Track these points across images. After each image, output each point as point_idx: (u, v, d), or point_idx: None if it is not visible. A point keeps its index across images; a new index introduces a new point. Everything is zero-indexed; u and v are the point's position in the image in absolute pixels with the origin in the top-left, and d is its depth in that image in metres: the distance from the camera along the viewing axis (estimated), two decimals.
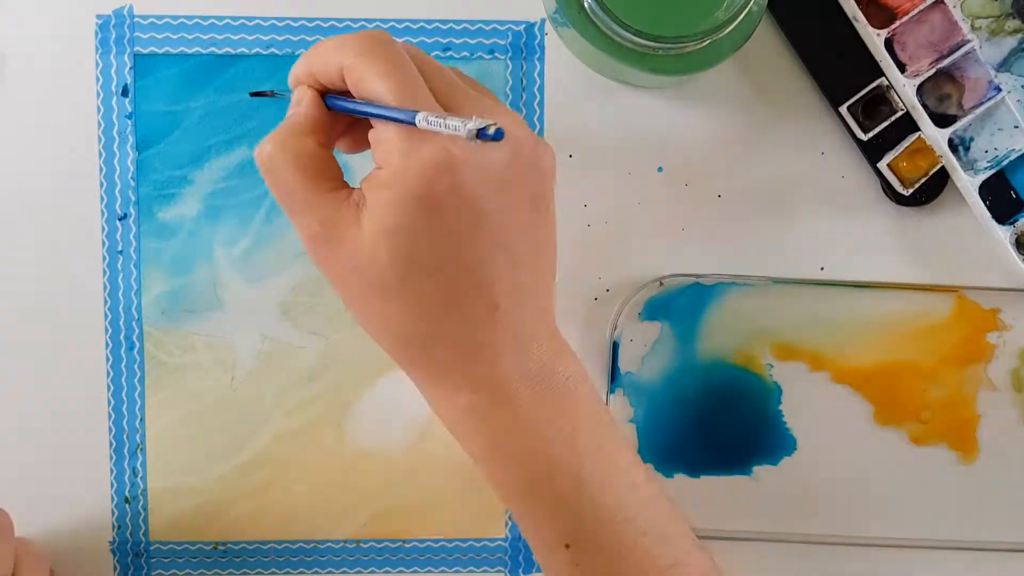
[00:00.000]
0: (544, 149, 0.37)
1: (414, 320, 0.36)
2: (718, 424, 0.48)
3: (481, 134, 0.32)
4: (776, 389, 0.48)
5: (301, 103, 0.37)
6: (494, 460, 0.38)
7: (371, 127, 0.36)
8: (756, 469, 0.48)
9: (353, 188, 0.36)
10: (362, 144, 0.39)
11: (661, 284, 0.47)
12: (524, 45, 0.47)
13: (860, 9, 0.45)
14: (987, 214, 0.46)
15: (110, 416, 0.48)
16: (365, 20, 0.47)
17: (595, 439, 0.38)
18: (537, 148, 0.37)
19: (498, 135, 0.32)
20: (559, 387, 0.38)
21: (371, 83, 0.35)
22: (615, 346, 0.47)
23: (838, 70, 0.46)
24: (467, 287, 0.36)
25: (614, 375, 0.47)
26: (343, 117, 0.38)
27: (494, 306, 0.36)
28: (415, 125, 0.34)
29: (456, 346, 0.36)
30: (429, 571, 0.49)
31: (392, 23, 0.47)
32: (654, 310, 0.47)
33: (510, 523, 0.49)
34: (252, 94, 0.43)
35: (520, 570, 0.49)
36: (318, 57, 0.37)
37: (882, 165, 0.46)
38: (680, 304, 0.47)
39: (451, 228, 0.35)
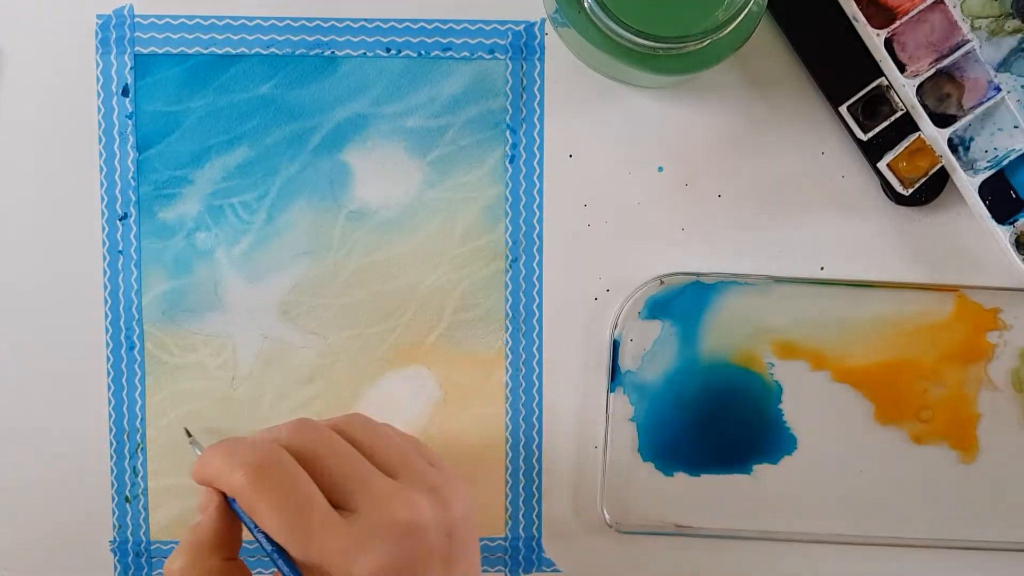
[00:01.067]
0: (455, 503, 0.38)
1: None
2: (718, 423, 0.48)
3: None
4: (777, 388, 0.48)
5: (207, 511, 0.37)
6: None
7: None
8: (756, 468, 0.48)
9: None
10: None
11: (662, 283, 0.47)
12: (524, 45, 0.47)
13: (860, 9, 0.45)
14: (987, 214, 0.46)
15: (110, 416, 0.48)
16: (365, 20, 0.47)
17: None
18: (444, 518, 0.37)
19: None
20: None
21: (260, 515, 0.36)
22: (615, 345, 0.47)
23: (838, 70, 0.46)
24: None
25: (614, 374, 0.47)
26: None
27: None
28: None
29: None
30: None
31: (392, 23, 0.47)
32: (655, 309, 0.47)
33: (510, 523, 0.49)
34: None
35: (520, 570, 0.49)
36: (209, 470, 0.37)
37: (882, 165, 0.46)
38: (681, 303, 0.47)
39: None
